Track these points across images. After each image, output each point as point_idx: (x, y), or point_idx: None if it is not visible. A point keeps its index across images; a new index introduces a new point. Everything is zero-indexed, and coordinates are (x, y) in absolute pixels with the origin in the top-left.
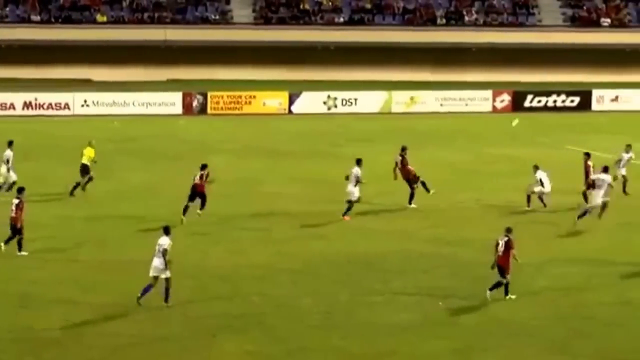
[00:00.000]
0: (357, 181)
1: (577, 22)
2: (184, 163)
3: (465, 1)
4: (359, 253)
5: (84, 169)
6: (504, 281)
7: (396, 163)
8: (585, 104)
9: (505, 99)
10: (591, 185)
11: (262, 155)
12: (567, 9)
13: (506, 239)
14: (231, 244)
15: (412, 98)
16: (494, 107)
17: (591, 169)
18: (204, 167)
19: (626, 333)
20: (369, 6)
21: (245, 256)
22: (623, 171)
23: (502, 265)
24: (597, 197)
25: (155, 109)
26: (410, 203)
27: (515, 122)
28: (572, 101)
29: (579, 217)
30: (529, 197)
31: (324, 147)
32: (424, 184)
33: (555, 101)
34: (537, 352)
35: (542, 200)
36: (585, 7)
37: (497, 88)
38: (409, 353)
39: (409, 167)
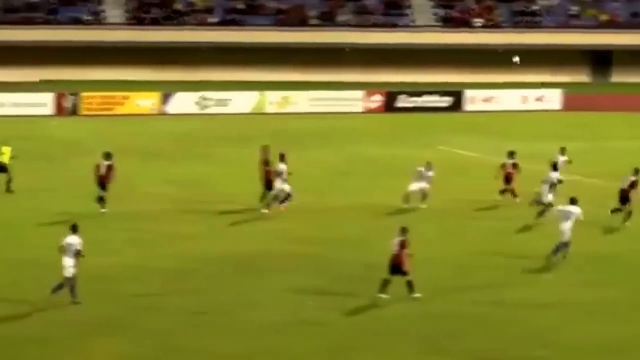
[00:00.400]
0: (280, 175)
1: (449, 22)
2: (58, 164)
3: (338, 2)
4: (232, 253)
5: (2, 168)
6: (411, 279)
7: (265, 163)
8: (457, 104)
9: (378, 99)
10: (509, 182)
11: (135, 156)
12: (439, 9)
13: (401, 238)
14: (104, 244)
15: (285, 98)
16: (366, 107)
17: (510, 168)
18: (108, 155)
19: (498, 332)
20: (241, 6)
21: (119, 256)
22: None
23: (397, 265)
24: (548, 194)
25: (27, 110)
26: (280, 203)
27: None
28: (444, 101)
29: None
30: (407, 196)
31: (197, 147)
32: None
33: (427, 101)
34: (409, 350)
35: (425, 198)
36: (457, 8)
37: (369, 88)
38: (283, 353)
39: (270, 168)
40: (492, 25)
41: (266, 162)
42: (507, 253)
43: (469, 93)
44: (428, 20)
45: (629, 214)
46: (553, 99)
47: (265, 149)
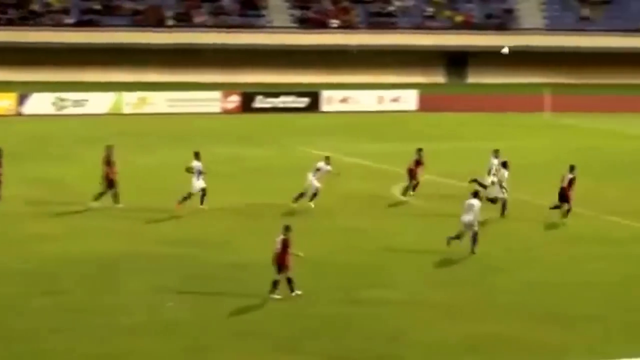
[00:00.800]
0: (200, 173)
1: (305, 23)
2: None
3: (194, 2)
4: (93, 254)
5: None
6: (278, 279)
7: (107, 163)
8: (314, 105)
9: (235, 99)
10: (412, 177)
11: None
12: (295, 10)
13: (283, 237)
14: None
15: (142, 99)
16: (223, 107)
17: (412, 164)
18: None
19: (356, 332)
20: (97, 7)
21: None
22: (493, 178)
23: (279, 263)
24: (497, 191)
25: None
26: (116, 203)
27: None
28: (301, 102)
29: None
30: (301, 195)
31: (54, 148)
32: (101, 194)
33: (284, 102)
34: (266, 350)
35: (314, 197)
36: (313, 9)
37: (227, 89)
38: (142, 353)
39: (108, 169)
40: (348, 26)
41: (108, 162)
42: (365, 251)
43: (325, 94)
44: (285, 21)
45: (568, 211)
46: (409, 99)
47: (109, 149)
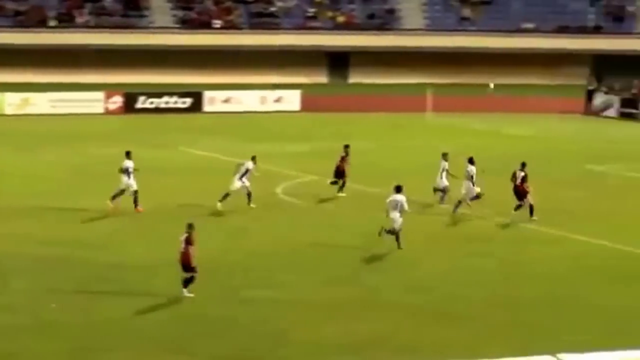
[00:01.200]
0: (128, 172)
1: (188, 24)
2: None
3: (76, 2)
4: None
5: None
6: (195, 275)
7: None
8: (197, 106)
9: (118, 100)
10: (340, 174)
11: None
12: (178, 10)
13: (186, 235)
14: None
15: (24, 100)
16: (106, 108)
17: (347, 161)
18: None
19: (241, 332)
20: None
21: None
22: (445, 181)
23: (183, 262)
24: (470, 189)
25: None
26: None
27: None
28: (184, 102)
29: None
30: (226, 195)
31: None
32: None
33: (167, 102)
34: (155, 351)
35: (250, 197)
36: (196, 9)
37: (109, 90)
38: (26, 354)
39: None
40: (231, 26)
41: None
42: (250, 252)
43: (208, 94)
44: (167, 22)
45: (519, 206)
46: (292, 99)
47: None
